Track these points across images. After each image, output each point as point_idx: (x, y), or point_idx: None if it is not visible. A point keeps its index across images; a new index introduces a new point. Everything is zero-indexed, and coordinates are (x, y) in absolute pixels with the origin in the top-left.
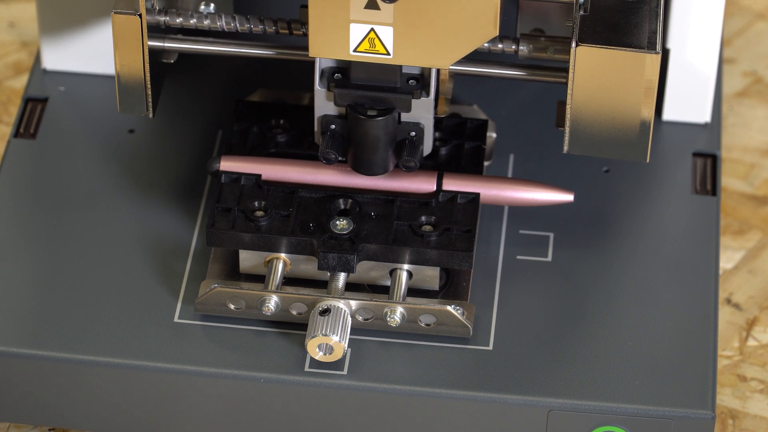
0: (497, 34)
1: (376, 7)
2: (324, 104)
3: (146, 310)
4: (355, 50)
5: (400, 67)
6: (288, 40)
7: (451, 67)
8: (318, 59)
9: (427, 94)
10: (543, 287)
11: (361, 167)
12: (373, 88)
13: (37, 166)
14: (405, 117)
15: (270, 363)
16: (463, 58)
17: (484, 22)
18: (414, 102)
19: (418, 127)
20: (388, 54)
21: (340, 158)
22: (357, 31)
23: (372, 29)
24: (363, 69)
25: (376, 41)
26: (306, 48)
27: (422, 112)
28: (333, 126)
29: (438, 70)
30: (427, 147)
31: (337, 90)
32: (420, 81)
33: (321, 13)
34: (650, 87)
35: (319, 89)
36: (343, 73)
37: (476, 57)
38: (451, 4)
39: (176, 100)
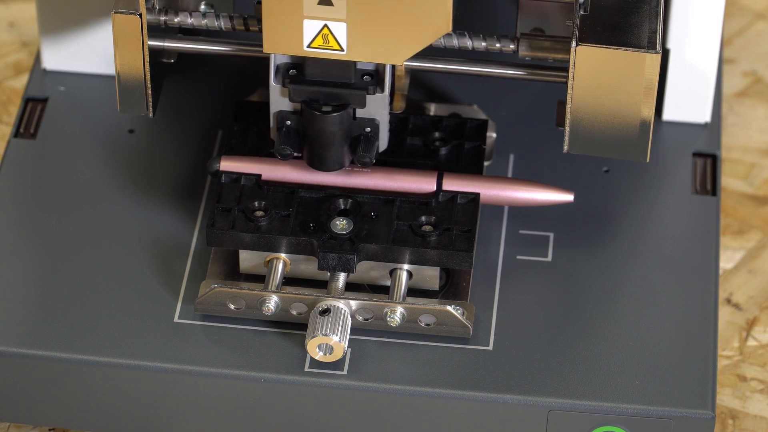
0: (450, 29)
1: (330, 3)
2: (279, 100)
3: (146, 310)
4: (308, 46)
5: (355, 63)
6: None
7: (406, 63)
8: (273, 55)
9: (382, 90)
10: (543, 287)
11: (317, 163)
12: (327, 84)
13: (37, 166)
14: (360, 113)
15: (270, 363)
16: (462, 58)
17: (438, 17)
18: (369, 98)
19: (373, 123)
20: (342, 50)
21: (295, 154)
22: (310, 27)
23: (325, 25)
24: (317, 65)
25: (330, 37)
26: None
27: (377, 108)
28: (288, 122)
29: (393, 66)
30: (383, 142)
31: (291, 86)
32: (374, 77)
33: (275, 9)
34: (650, 87)
35: (274, 85)
36: (298, 69)
37: (476, 57)
38: (405, 0)
39: (176, 100)
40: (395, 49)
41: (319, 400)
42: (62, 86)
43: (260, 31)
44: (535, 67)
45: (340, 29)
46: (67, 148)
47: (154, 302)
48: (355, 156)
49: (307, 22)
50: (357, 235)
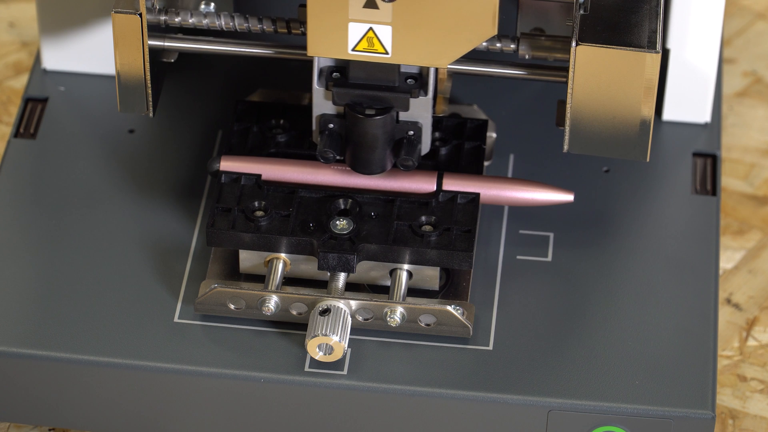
0: (496, 33)
1: (375, 6)
2: (322, 103)
3: (146, 310)
4: (353, 49)
5: (399, 66)
6: (288, 40)
7: (449, 66)
8: (316, 58)
9: (426, 93)
10: (543, 287)
11: (360, 166)
12: (371, 87)
13: (37, 166)
14: (403, 116)
15: (270, 363)
16: (462, 57)
17: (483, 21)
18: (412, 101)
19: (416, 126)
20: (387, 53)
21: (338, 157)
22: (355, 31)
23: (370, 28)
24: (361, 68)
25: (375, 40)
26: (305, 47)
27: (420, 111)
28: (331, 125)
29: (436, 69)
30: (425, 146)
31: (335, 89)
32: (418, 80)
33: (319, 12)
34: (650, 86)
35: (317, 88)
36: (342, 72)
37: (476, 56)
38: (450, 4)
39: (176, 100)
40: (440, 52)
41: (319, 400)
42: (62, 86)
43: (304, 34)
44: (535, 66)
45: (385, 32)
46: (67, 148)
47: (154, 302)
48: (397, 159)
49: (352, 26)
50: (357, 235)
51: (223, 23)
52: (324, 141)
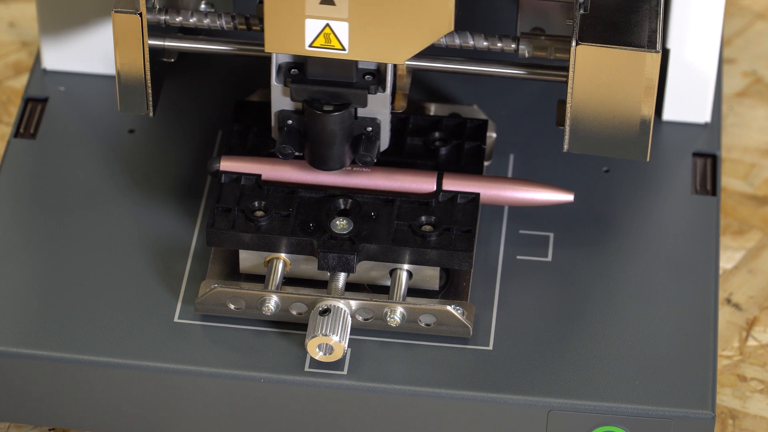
0: (453, 29)
1: (332, 3)
2: (281, 99)
3: (146, 310)
4: (310, 45)
5: (356, 62)
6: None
7: (407, 63)
8: (274, 54)
9: (384, 90)
10: (543, 287)
11: (318, 162)
12: (329, 83)
13: (37, 166)
14: (362, 112)
15: (270, 363)
16: (461, 57)
17: (440, 17)
18: (370, 97)
19: (374, 122)
20: (344, 49)
21: (297, 153)
22: (312, 27)
23: (327, 24)
24: (319, 64)
25: (332, 36)
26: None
27: (379, 107)
28: (290, 121)
29: (394, 66)
30: (384, 142)
31: (293, 85)
32: (376, 76)
33: (276, 8)
34: (650, 86)
35: (275, 84)
36: (300, 69)
37: (477, 56)
38: (407, 0)
39: (176, 100)
40: (397, 48)
41: (319, 400)
42: (62, 86)
43: (262, 30)
44: (536, 66)
45: (342, 29)
46: (67, 148)
47: (154, 302)
48: (356, 155)
49: (309, 22)
50: (357, 235)
51: (223, 23)
52: (283, 137)
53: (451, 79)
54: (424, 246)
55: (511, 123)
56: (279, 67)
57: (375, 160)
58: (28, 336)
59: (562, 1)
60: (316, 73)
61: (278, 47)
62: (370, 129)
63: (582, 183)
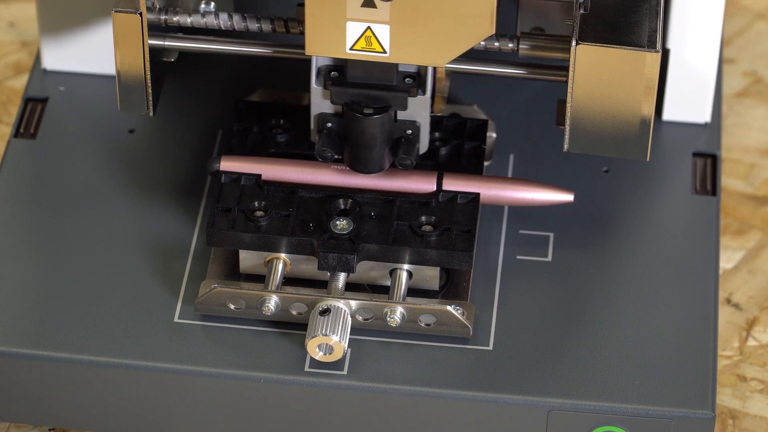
0: (494, 32)
1: (373, 6)
2: (320, 102)
3: (146, 310)
4: (351, 48)
5: (397, 65)
6: (287, 39)
7: (447, 66)
8: (314, 57)
9: (424, 93)
10: (543, 287)
11: (358, 165)
12: (369, 86)
13: (37, 166)
14: (401, 115)
15: (270, 363)
16: (461, 57)
17: (480, 20)
18: (410, 100)
19: (414, 126)
20: (385, 52)
21: (336, 156)
22: (353, 30)
23: (368, 27)
24: (359, 67)
25: (373, 39)
26: (303, 46)
27: (419, 110)
28: (329, 124)
29: (435, 69)
30: (424, 145)
31: (333, 88)
32: (416, 79)
33: (317, 11)
34: (650, 85)
35: (315, 87)
36: (340, 72)
37: (476, 56)
38: (448, 3)
39: (176, 100)
40: (438, 51)
41: (319, 400)
42: (62, 86)
43: (301, 33)
44: (535, 66)
45: (383, 31)
46: (67, 148)
47: (154, 302)
48: (395, 158)
49: (350, 24)
50: (357, 235)
51: (223, 23)
52: (322, 140)
53: (451, 79)
54: (424, 246)
55: (511, 123)
56: (319, 70)
57: (414, 164)
58: (28, 336)
59: (562, 1)
60: (357, 75)
61: (319, 50)
62: (409, 132)
63: (582, 183)
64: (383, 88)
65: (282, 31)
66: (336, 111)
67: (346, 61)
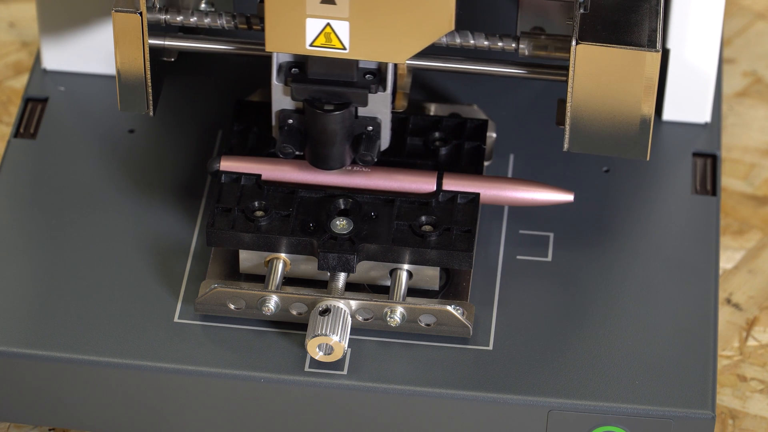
0: (453, 28)
1: (333, 2)
2: (281, 99)
3: (146, 310)
4: (311, 45)
5: (357, 61)
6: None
7: (408, 62)
8: (275, 54)
9: (384, 89)
10: (543, 287)
11: (319, 162)
12: (329, 82)
13: (37, 166)
14: (362, 111)
15: (270, 363)
16: (461, 57)
17: (441, 16)
18: (371, 96)
19: (375, 122)
20: (344, 49)
21: (297, 153)
22: (313, 26)
23: (328, 24)
24: (320, 63)
25: (332, 36)
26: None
27: (379, 106)
28: (290, 120)
29: (395, 65)
30: (385, 141)
31: (294, 84)
32: (377, 75)
33: (277, 7)
34: (650, 85)
35: (276, 84)
36: (301, 68)
37: (476, 56)
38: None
39: (176, 100)
40: (397, 47)
41: (319, 400)
42: (62, 86)
43: (262, 29)
44: (536, 65)
45: (342, 28)
46: (67, 148)
47: (154, 302)
48: (356, 155)
49: (309, 21)
50: (357, 235)
51: (223, 22)
52: (283, 136)
53: (451, 79)
54: (424, 246)
55: (511, 123)
56: (279, 67)
57: (375, 160)
58: (28, 336)
59: (562, 1)
60: (317, 72)
61: (279, 47)
62: (370, 128)
63: (582, 183)
64: (343, 85)
65: (243, 27)
66: (297, 107)
67: (306, 57)
